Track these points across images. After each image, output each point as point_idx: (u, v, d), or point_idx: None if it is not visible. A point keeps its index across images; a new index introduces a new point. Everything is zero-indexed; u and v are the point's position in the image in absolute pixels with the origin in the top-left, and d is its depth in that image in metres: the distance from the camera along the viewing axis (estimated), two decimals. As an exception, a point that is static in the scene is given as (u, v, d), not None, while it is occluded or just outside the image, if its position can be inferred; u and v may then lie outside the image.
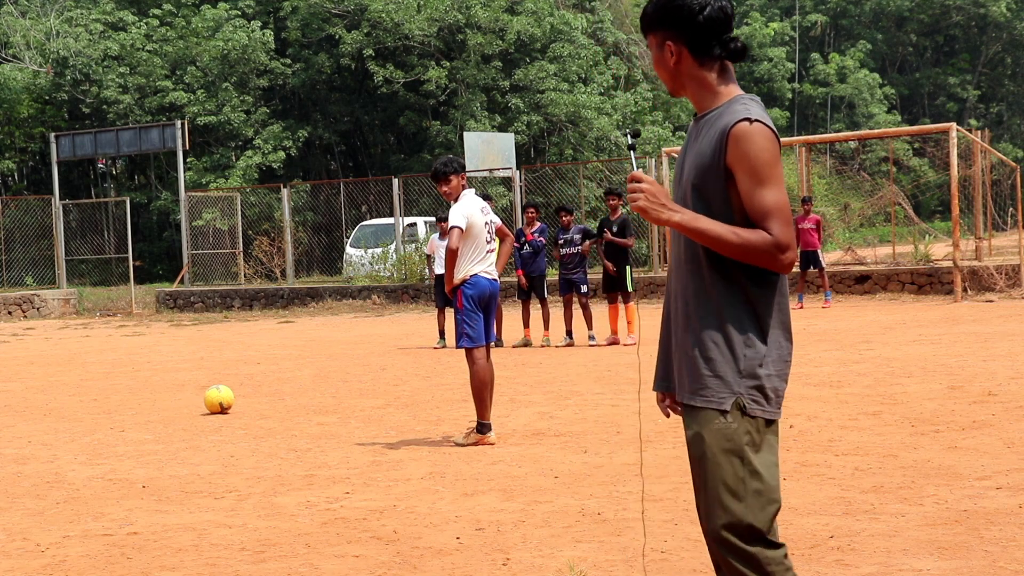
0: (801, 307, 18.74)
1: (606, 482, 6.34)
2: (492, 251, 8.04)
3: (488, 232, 8.01)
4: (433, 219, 28.05)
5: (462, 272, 7.88)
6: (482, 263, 7.92)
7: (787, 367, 2.93)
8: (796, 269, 19.81)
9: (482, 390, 7.77)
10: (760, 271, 2.87)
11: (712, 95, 2.94)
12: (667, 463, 6.76)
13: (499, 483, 6.47)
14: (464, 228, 7.85)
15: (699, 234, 2.82)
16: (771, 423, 2.90)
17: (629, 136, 3.02)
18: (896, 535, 5.00)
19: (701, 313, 2.89)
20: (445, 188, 8.02)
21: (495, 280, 7.96)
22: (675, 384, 3.01)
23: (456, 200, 8.01)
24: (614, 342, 14.24)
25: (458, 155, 30.37)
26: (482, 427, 7.76)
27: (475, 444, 7.72)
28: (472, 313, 7.82)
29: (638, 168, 2.95)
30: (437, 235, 15.72)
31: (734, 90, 2.93)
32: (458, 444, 7.75)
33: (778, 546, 2.87)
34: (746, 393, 2.86)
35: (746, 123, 2.82)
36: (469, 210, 7.94)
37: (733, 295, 2.86)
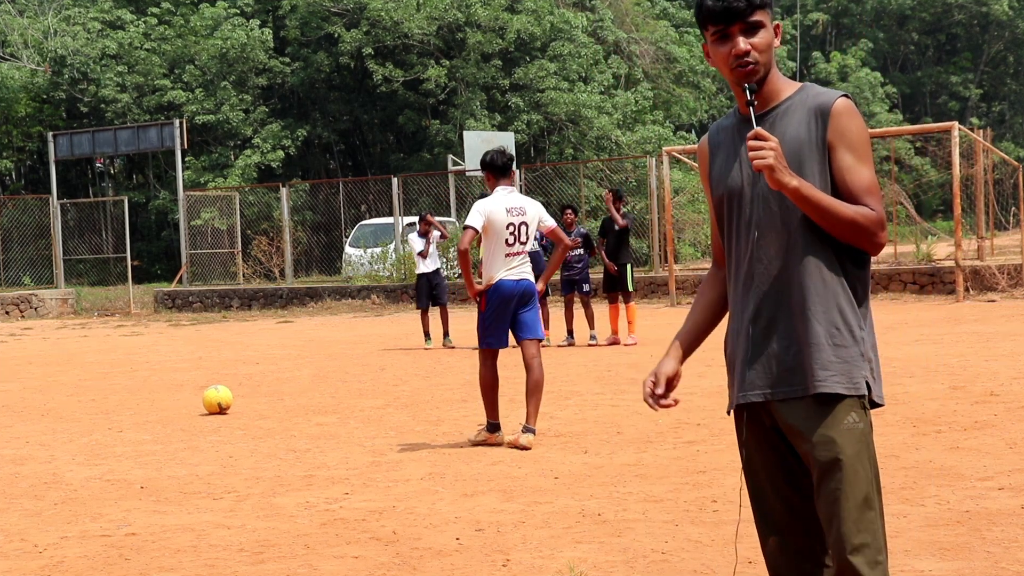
0: None
1: (606, 483, 6.34)
2: (517, 255, 7.59)
3: (512, 235, 7.58)
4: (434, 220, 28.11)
5: (485, 276, 7.61)
6: (504, 267, 7.57)
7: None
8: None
9: (485, 392, 7.75)
10: (859, 253, 2.80)
11: (781, 82, 2.89)
12: (668, 464, 6.76)
13: (499, 484, 6.47)
14: (478, 229, 7.54)
15: (814, 204, 2.71)
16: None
17: (748, 92, 2.84)
18: (898, 536, 5.00)
19: (817, 298, 2.77)
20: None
21: (522, 279, 7.60)
22: (771, 384, 2.83)
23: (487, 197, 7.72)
24: (615, 342, 14.24)
25: (458, 153, 30.44)
26: (489, 427, 7.76)
27: (481, 443, 7.71)
28: (491, 318, 7.61)
29: (758, 125, 2.81)
30: (415, 234, 15.79)
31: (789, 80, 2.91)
32: (472, 442, 7.75)
33: None
34: (870, 378, 2.77)
35: (846, 99, 2.81)
36: (490, 208, 7.58)
37: (841, 277, 2.78)
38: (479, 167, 7.72)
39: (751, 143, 2.74)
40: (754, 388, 2.91)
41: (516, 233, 7.60)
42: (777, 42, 2.85)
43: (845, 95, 2.83)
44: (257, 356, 15.13)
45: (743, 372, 2.91)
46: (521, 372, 11.86)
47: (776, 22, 2.86)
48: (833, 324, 2.76)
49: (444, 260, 16.49)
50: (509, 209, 7.58)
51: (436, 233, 15.66)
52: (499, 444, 7.70)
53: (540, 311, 7.98)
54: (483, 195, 15.87)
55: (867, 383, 2.76)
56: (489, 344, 7.70)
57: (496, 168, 7.71)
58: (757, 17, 2.81)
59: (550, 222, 7.83)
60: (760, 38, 2.83)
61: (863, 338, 2.79)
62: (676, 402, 3.17)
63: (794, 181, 2.71)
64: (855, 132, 2.78)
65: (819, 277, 2.77)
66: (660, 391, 3.12)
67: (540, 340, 7.84)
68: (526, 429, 7.59)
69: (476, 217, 7.55)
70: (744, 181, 2.89)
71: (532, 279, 7.73)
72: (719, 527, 5.28)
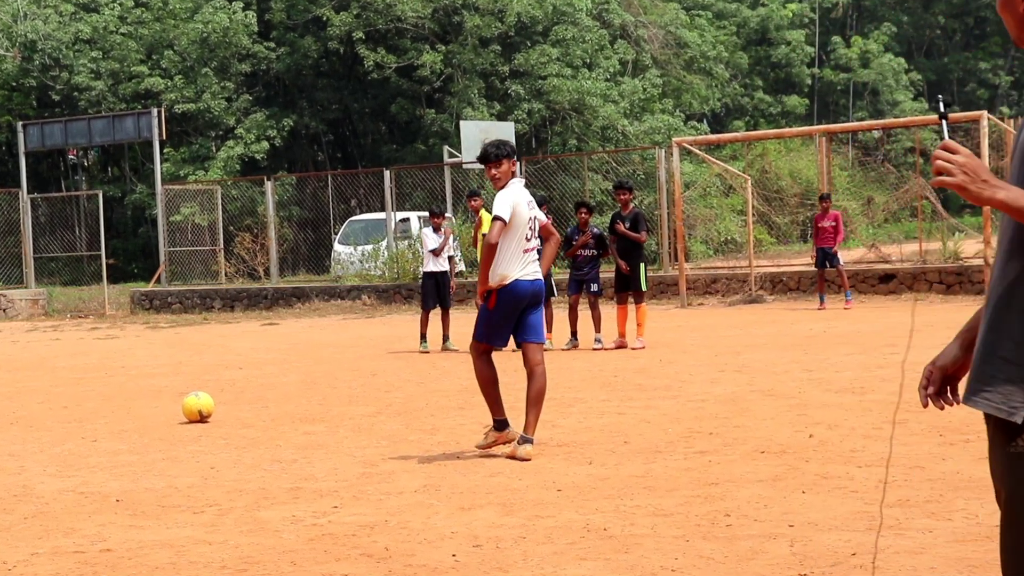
0: (823, 308, 18.75)
1: (612, 495, 6.35)
2: (531, 250, 7.67)
3: (531, 228, 7.64)
4: (427, 214, 28.06)
5: (498, 274, 7.59)
6: (520, 265, 7.58)
7: None
8: (813, 268, 19.85)
9: (485, 388, 7.77)
10: None
11: None
12: (677, 475, 6.77)
13: (498, 496, 6.47)
14: (507, 220, 7.48)
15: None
16: None
17: (941, 104, 2.75)
18: (923, 552, 5.00)
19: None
20: (495, 171, 7.68)
21: (536, 279, 7.65)
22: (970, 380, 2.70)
23: (503, 187, 7.69)
24: (621, 345, 14.24)
25: (455, 144, 30.44)
26: (497, 424, 7.77)
27: (494, 444, 7.72)
28: (500, 318, 7.63)
29: (949, 137, 2.66)
30: (430, 229, 15.70)
31: None
32: (479, 447, 7.78)
33: None
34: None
35: None
36: (516, 199, 7.58)
37: None
38: (476, 160, 7.74)
39: (936, 160, 2.60)
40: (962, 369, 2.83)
41: (533, 227, 7.68)
42: None
43: None
44: (240, 360, 15.13)
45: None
46: (520, 376, 11.87)
47: None
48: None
49: (458, 255, 16.40)
50: (528, 202, 7.66)
51: (451, 236, 15.69)
52: (511, 440, 7.68)
53: (544, 312, 8.02)
54: (474, 191, 15.95)
55: None
56: (490, 341, 7.74)
57: (515, 155, 7.77)
58: None
59: (543, 216, 7.97)
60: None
61: None
62: (955, 402, 2.88)
63: (1000, 193, 2.56)
64: None
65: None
66: (931, 390, 2.90)
67: (543, 344, 7.86)
68: (524, 440, 7.56)
69: (505, 208, 7.51)
70: None
71: (543, 278, 7.79)
72: (732, 542, 5.28)
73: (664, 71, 43.95)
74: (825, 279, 19.48)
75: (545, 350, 14.23)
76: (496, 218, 7.52)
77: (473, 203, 15.31)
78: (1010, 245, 2.66)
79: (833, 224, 19.01)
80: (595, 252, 14.64)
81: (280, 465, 7.69)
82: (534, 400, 7.63)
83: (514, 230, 7.56)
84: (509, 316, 7.65)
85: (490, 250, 7.51)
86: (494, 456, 7.67)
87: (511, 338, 7.87)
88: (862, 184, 31.01)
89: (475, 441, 8.03)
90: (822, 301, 19.02)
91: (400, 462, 7.62)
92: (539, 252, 7.91)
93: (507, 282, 7.57)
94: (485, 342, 7.75)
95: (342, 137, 45.07)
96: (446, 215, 16.44)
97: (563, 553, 5.28)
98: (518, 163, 7.67)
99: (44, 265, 32.72)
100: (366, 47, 37.37)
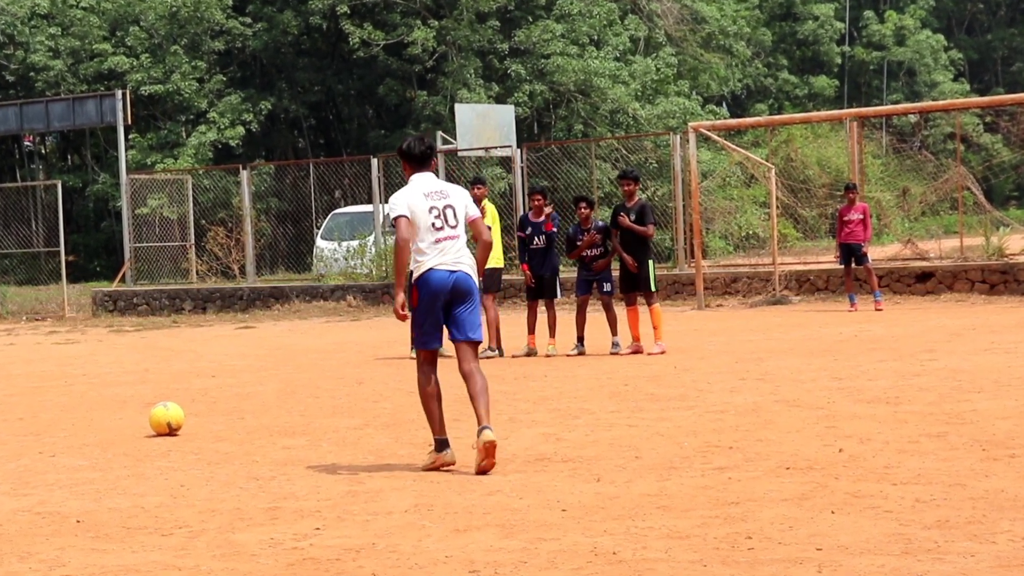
0: (855, 309, 18.75)
1: (622, 516, 6.35)
2: (451, 239, 7.84)
3: (437, 216, 7.84)
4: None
5: (414, 268, 7.86)
6: (435, 255, 7.81)
7: None
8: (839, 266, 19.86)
9: (426, 403, 7.96)
10: None
11: None
12: (694, 494, 6.77)
13: (497, 517, 6.47)
14: (409, 215, 7.80)
15: None
16: None
17: None
18: (964, 578, 4.99)
19: None
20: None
21: (457, 270, 7.83)
22: None
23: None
24: (637, 350, 14.23)
25: (449, 130, 30.43)
26: (437, 444, 7.89)
27: (433, 467, 7.81)
28: (423, 315, 7.86)
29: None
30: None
31: None
32: (424, 467, 7.86)
33: None
34: None
35: None
36: (405, 194, 7.91)
37: None
38: (399, 154, 8.14)
39: None
40: None
41: (442, 216, 7.86)
42: None
43: None
44: (213, 368, 15.13)
45: None
46: (522, 385, 11.86)
47: None
48: None
49: None
50: (427, 193, 7.90)
51: None
52: (451, 464, 7.79)
53: (485, 313, 8.18)
54: (478, 178, 15.95)
55: None
56: (424, 344, 7.96)
57: (414, 157, 8.04)
58: None
59: (474, 211, 8.08)
60: None
61: None
62: None
63: None
64: None
65: None
66: None
67: (478, 343, 8.02)
68: (483, 428, 7.68)
69: (399, 205, 7.85)
70: None
71: (472, 271, 7.93)
72: (754, 567, 5.28)
73: (679, 49, 43.94)
74: (855, 278, 19.47)
75: (548, 356, 14.43)
76: (395, 219, 7.84)
77: (476, 191, 15.26)
78: None
79: (861, 217, 18.97)
80: (603, 249, 14.63)
81: (257, 483, 7.69)
82: (479, 394, 7.81)
83: (416, 223, 7.81)
84: (431, 310, 7.85)
85: (399, 250, 7.82)
86: (491, 473, 7.67)
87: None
88: (897, 174, 31.04)
89: (466, 458, 8.01)
90: (852, 302, 19.01)
91: (389, 479, 7.62)
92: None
93: (421, 271, 7.82)
94: (422, 348, 8.00)
95: (325, 122, 45.07)
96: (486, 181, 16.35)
97: (568, 579, 5.27)
98: (436, 159, 8.07)
99: (-3, 262, 32.71)
100: (351, 22, 37.37)
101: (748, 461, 7.61)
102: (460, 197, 8.03)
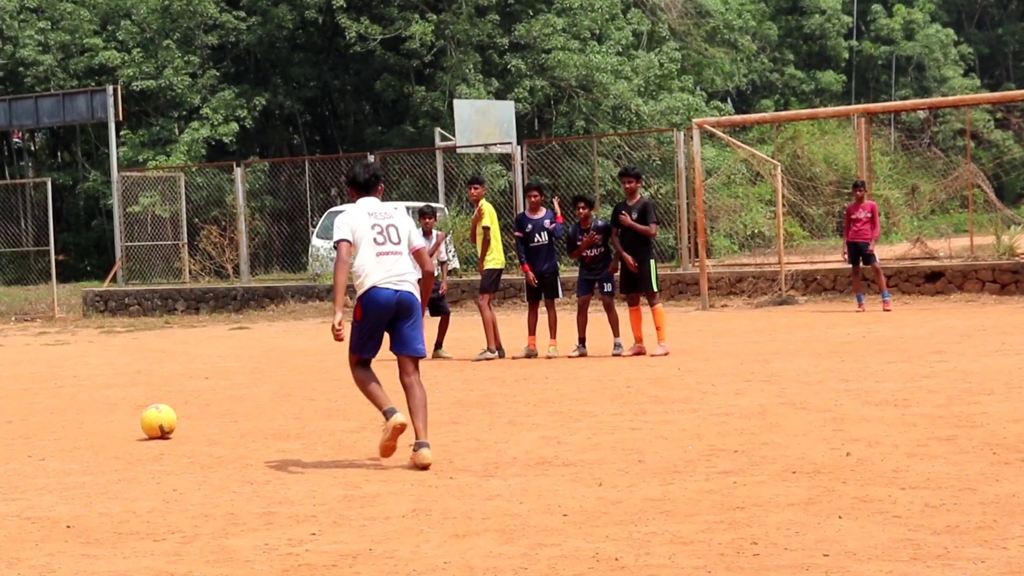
0: (862, 309, 18.76)
1: (625, 521, 6.35)
2: (393, 255, 8.28)
3: (380, 233, 8.28)
4: (418, 205, 28.01)
5: (358, 284, 8.24)
6: (379, 272, 8.23)
7: None
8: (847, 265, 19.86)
9: (365, 388, 8.35)
10: None
11: None
12: (698, 498, 6.77)
13: (496, 522, 6.47)
14: (351, 238, 8.22)
15: None
16: None
17: None
18: (975, 585, 4.99)
19: None
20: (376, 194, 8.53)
21: (400, 289, 8.25)
22: None
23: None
24: (640, 352, 14.24)
25: (447, 126, 30.45)
26: (385, 414, 8.22)
27: (391, 440, 8.16)
28: (366, 330, 8.28)
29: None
30: (420, 232, 15.57)
31: None
32: (383, 445, 8.24)
33: None
34: None
35: None
36: (348, 217, 8.33)
37: None
38: (346, 182, 8.77)
39: None
40: None
41: (385, 233, 8.32)
42: None
43: None
44: (206, 369, 15.13)
45: None
46: (523, 387, 11.86)
47: None
48: None
49: (452, 252, 16.37)
50: (371, 213, 8.38)
51: (444, 247, 15.59)
52: (402, 427, 8.13)
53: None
54: (476, 177, 15.95)
55: None
56: (360, 352, 8.39)
57: (359, 184, 8.51)
58: None
59: (419, 241, 8.55)
60: None
61: None
62: None
63: None
64: None
65: None
66: None
67: (420, 357, 8.42)
68: (420, 445, 8.06)
69: (342, 228, 8.28)
70: None
71: (414, 289, 8.36)
72: (760, 574, 5.28)
73: (683, 43, 43.97)
74: (863, 277, 19.45)
75: (549, 357, 14.43)
76: (336, 243, 8.30)
77: (474, 191, 15.25)
78: None
79: (869, 216, 18.98)
80: (604, 249, 14.64)
81: (251, 487, 7.69)
82: (417, 408, 8.25)
83: (359, 241, 8.25)
84: (374, 326, 8.29)
85: (337, 270, 8.26)
86: (491, 477, 7.67)
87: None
88: (906, 171, 31.01)
89: (402, 454, 8.23)
90: (860, 302, 19.01)
91: (386, 483, 7.62)
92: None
93: (365, 288, 8.24)
94: (357, 353, 8.41)
95: (321, 118, 45.07)
96: (438, 210, 16.37)
97: (569, 586, 5.27)
98: (380, 186, 8.71)
99: (-15, 262, 32.72)
100: (347, 16, 37.37)
101: (754, 465, 7.61)
102: (404, 221, 8.50)
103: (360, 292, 8.26)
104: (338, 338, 8.20)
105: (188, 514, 6.98)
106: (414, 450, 8.07)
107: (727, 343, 15.25)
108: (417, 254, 8.49)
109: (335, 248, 8.33)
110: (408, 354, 8.35)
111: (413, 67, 38.42)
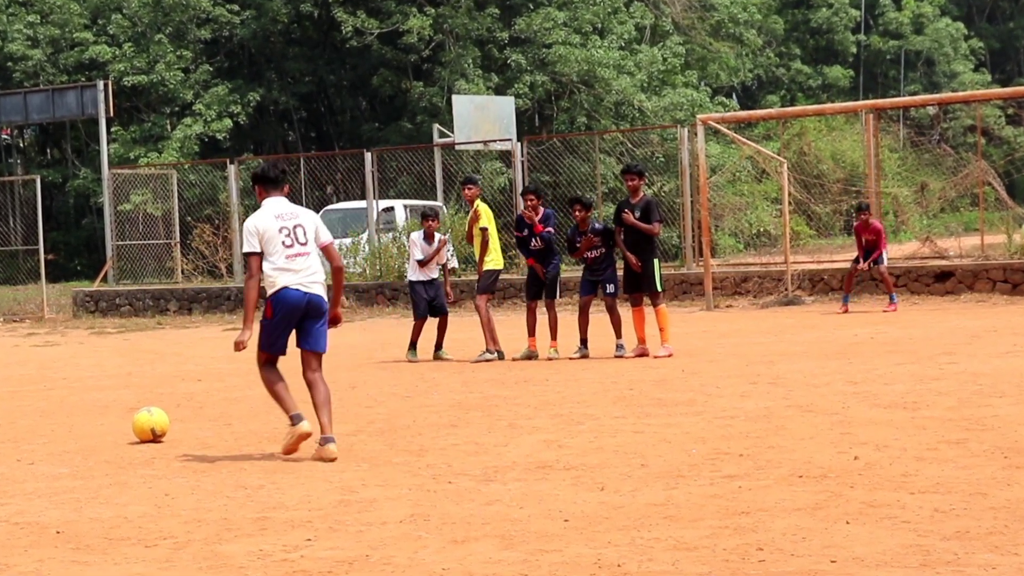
0: (845, 311, 18.89)
1: (627, 527, 6.35)
2: (302, 255, 8.62)
3: (288, 235, 8.61)
4: (416, 203, 28.02)
5: (268, 284, 8.59)
6: (291, 270, 8.62)
7: None
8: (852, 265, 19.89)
9: (272, 389, 8.78)
10: None
11: None
12: (702, 503, 6.77)
13: (496, 527, 6.47)
14: (258, 249, 8.56)
15: None
16: None
17: None
18: (985, 592, 4.99)
19: None
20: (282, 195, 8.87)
21: (310, 292, 8.63)
22: None
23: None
24: (643, 353, 14.25)
25: (446, 123, 30.44)
26: (292, 419, 8.65)
27: (294, 445, 8.62)
28: (276, 328, 8.72)
29: None
30: (420, 235, 15.52)
31: None
32: (283, 450, 8.70)
33: None
34: None
35: None
36: (256, 222, 8.63)
37: None
38: (252, 179, 9.04)
39: None
40: None
41: (292, 234, 8.67)
42: None
43: None
44: (199, 371, 15.13)
45: None
46: (523, 390, 11.87)
47: None
48: None
49: (451, 252, 16.28)
50: (278, 215, 8.72)
51: (446, 249, 15.53)
52: (307, 435, 8.57)
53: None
54: (470, 178, 15.95)
55: None
56: (269, 349, 8.84)
57: (267, 180, 8.87)
58: None
59: (326, 236, 8.84)
60: None
61: None
62: None
63: None
64: None
65: None
66: None
67: (322, 354, 8.82)
68: (326, 440, 8.54)
69: (249, 240, 8.62)
70: None
71: (323, 291, 8.75)
72: (766, 581, 5.28)
73: (687, 38, 43.97)
74: (872, 278, 19.48)
75: (550, 359, 14.43)
76: (246, 256, 8.67)
77: (468, 191, 15.25)
78: None
79: (875, 238, 19.17)
80: (604, 249, 14.63)
81: (245, 492, 7.70)
82: (322, 404, 8.68)
83: (268, 243, 8.60)
84: (283, 325, 8.73)
85: (247, 284, 8.65)
86: (490, 481, 7.68)
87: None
88: (915, 168, 31.02)
89: (308, 448, 8.63)
90: (845, 303, 19.15)
91: (383, 488, 7.62)
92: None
93: (276, 288, 8.61)
94: (266, 351, 8.86)
95: (316, 114, 45.09)
96: (439, 211, 16.32)
97: (571, 593, 5.27)
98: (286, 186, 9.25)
99: (-27, 261, 32.73)
100: (344, 10, 37.37)
101: (759, 469, 7.61)
102: (310, 219, 8.83)
103: (271, 292, 8.64)
104: (239, 350, 8.71)
105: (180, 519, 6.98)
106: (320, 444, 8.54)
107: (732, 344, 15.25)
108: (325, 250, 8.82)
109: (245, 261, 8.68)
110: (313, 350, 8.76)
111: (411, 62, 38.42)
